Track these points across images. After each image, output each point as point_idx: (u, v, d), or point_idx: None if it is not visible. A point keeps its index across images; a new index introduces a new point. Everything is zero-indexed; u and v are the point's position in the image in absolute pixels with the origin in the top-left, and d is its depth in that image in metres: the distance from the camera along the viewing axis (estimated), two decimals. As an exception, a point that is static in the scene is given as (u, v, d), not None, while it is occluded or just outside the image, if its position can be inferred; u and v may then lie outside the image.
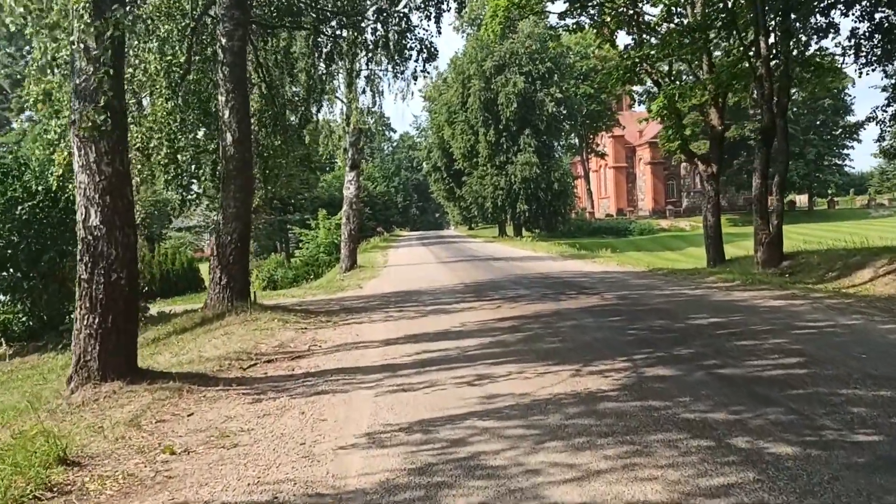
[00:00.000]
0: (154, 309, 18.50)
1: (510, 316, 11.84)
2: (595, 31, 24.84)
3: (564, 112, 62.47)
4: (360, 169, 31.75)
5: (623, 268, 23.36)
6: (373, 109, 30.26)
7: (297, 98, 16.02)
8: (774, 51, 18.32)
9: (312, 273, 41.97)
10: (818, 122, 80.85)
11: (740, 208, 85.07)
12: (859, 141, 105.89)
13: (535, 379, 7.01)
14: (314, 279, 38.32)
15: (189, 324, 12.70)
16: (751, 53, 18.98)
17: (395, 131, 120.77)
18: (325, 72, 16.85)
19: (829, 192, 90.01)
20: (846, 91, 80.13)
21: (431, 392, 6.76)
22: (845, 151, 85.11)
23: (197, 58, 14.58)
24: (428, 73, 17.47)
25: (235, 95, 13.30)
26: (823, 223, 64.45)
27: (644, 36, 22.92)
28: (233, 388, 7.43)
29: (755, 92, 19.12)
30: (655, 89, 25.81)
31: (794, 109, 72.37)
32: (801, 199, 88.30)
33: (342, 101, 28.08)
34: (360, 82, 29.16)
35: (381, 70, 29.10)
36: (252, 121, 16.18)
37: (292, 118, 16.38)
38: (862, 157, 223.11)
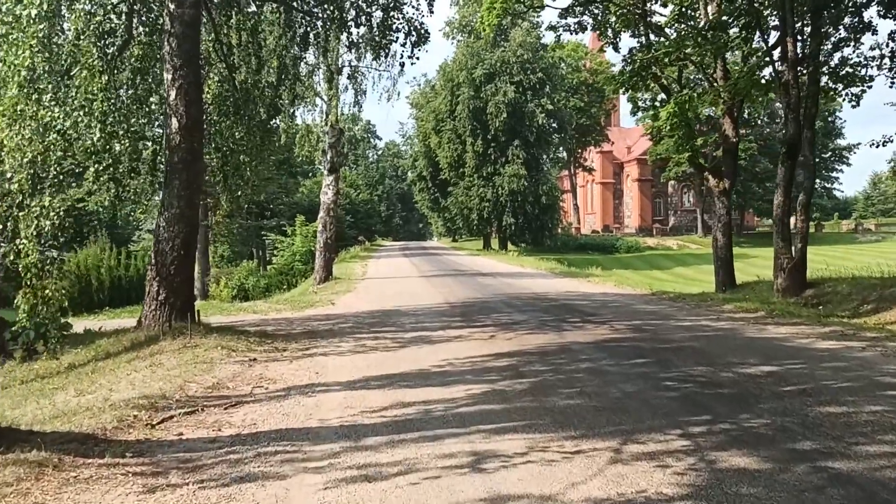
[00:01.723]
0: (92, 322, 16.09)
1: (507, 351, 9.68)
2: (598, 32, 22.98)
3: (555, 125, 60.69)
4: (340, 173, 29.53)
5: (622, 289, 21.31)
6: (355, 113, 28.22)
7: (264, 84, 13.77)
8: (802, 54, 16.39)
9: (286, 283, 39.72)
10: (809, 145, 79.75)
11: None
12: (849, 164, 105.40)
13: (558, 466, 4.85)
14: (287, 289, 36.09)
15: (115, 348, 10.39)
16: (775, 57, 17.08)
17: (380, 139, 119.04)
18: (299, 55, 14.65)
19: (815, 215, 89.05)
20: (837, 114, 79.51)
21: (407, 486, 4.58)
22: (834, 175, 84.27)
23: (143, 29, 12.36)
24: (417, 58, 15.31)
25: (185, 73, 11.07)
26: (813, 247, 62.83)
27: (652, 37, 21.00)
28: (124, 461, 5.20)
29: (775, 101, 17.21)
30: (662, 97, 23.90)
31: (772, 127, 71.27)
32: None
33: (322, 99, 25.98)
34: (342, 79, 27.18)
35: (364, 66, 27.12)
36: (210, 108, 13.96)
37: (261, 109, 14.11)
38: (849, 180, 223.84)
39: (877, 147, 18.95)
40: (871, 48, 17.82)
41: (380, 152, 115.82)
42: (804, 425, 5.63)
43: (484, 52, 57.53)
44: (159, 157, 12.38)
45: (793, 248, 16.45)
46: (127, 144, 11.65)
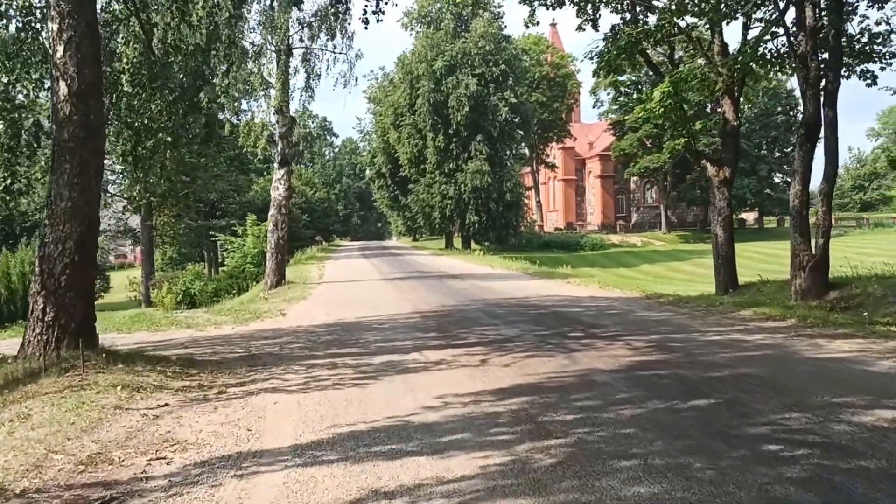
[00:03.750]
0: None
1: (511, 386, 7.23)
2: (576, 7, 20.69)
3: (518, 119, 58.58)
4: (293, 167, 26.81)
5: (609, 292, 19.09)
6: (307, 100, 25.59)
7: (189, 47, 11.06)
8: (820, 20, 14.29)
9: (237, 287, 36.70)
10: (770, 139, 79.33)
11: (690, 224, 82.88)
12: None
13: None
14: (238, 294, 33.22)
15: (-21, 387, 7.69)
16: (790, 25, 14.98)
17: (336, 136, 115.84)
18: (233, 15, 11.97)
19: (777, 210, 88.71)
20: (799, 108, 79.00)
21: None
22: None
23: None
24: (383, 14, 12.74)
25: (77, 22, 8.38)
26: (778, 241, 62.25)
27: (639, 9, 18.80)
28: None
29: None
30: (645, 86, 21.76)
31: (746, 125, 70.39)
32: (750, 217, 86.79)
33: (269, 83, 23.29)
34: (293, 61, 24.49)
35: (318, 48, 24.47)
36: (123, 78, 11.23)
37: (184, 77, 11.39)
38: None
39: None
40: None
41: (336, 149, 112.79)
42: None
43: (444, 43, 55.13)
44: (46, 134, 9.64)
45: (813, 244, 14.34)
46: (6, 118, 8.94)
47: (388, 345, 10.52)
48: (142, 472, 4.99)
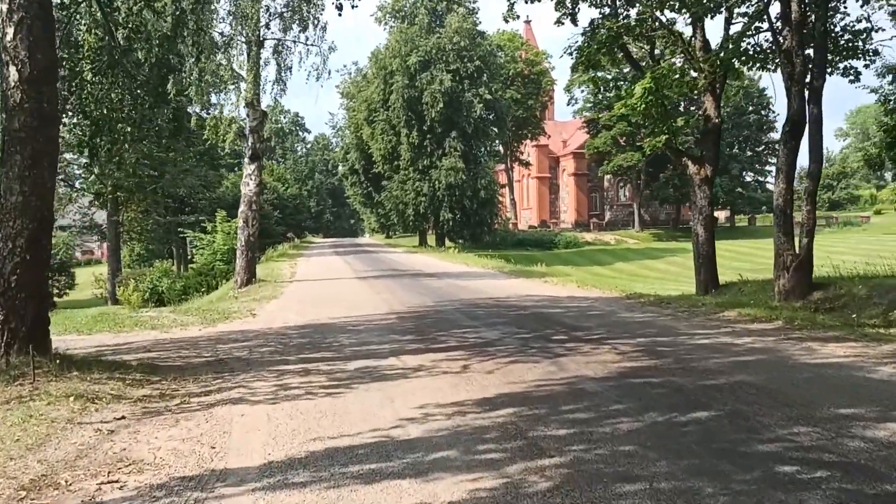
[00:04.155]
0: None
1: (496, 396, 6.79)
2: (555, 0, 20.31)
3: (492, 116, 58.19)
4: (264, 162, 26.12)
5: (588, 292, 18.74)
6: (278, 93, 24.96)
7: (152, 32, 10.40)
8: (805, 14, 14.02)
9: (206, 285, 35.83)
10: (742, 138, 79.85)
11: (663, 223, 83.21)
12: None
13: None
14: (208, 292, 32.43)
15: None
16: (775, 20, 14.73)
17: (309, 131, 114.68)
18: (199, 0, 11.30)
19: (748, 209, 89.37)
20: (771, 107, 79.68)
21: None
22: (768, 168, 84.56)
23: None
24: None
25: (27, 4, 7.77)
26: (751, 240, 62.80)
27: (619, 2, 18.47)
28: None
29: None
30: (623, 81, 21.49)
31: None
32: (722, 216, 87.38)
33: (238, 75, 22.63)
34: (265, 53, 23.83)
35: (290, 40, 23.83)
36: (84, 65, 10.58)
37: (146, 63, 10.73)
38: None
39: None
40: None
41: (309, 145, 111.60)
42: None
43: (418, 38, 54.56)
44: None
45: (797, 243, 14.11)
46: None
47: (363, 349, 10.02)
48: (90, 499, 4.46)
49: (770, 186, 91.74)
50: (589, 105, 75.55)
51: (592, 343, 9.68)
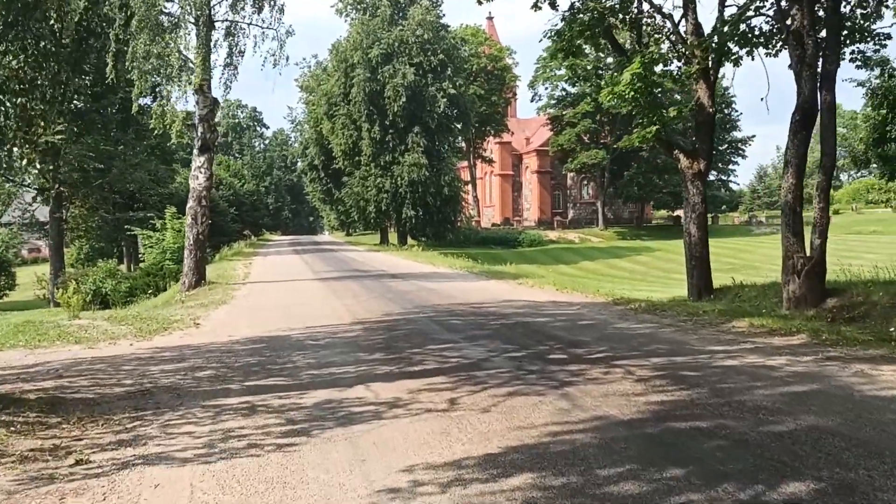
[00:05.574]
0: None
1: (504, 450, 5.09)
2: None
3: (456, 112, 56.61)
4: (214, 154, 24.08)
5: (571, 296, 17.22)
6: (230, 78, 22.98)
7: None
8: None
9: (154, 286, 33.52)
10: (705, 137, 79.40)
11: (626, 221, 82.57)
12: (745, 157, 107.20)
13: None
14: (155, 294, 30.23)
15: None
16: (782, -2, 13.33)
17: (267, 127, 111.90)
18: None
19: (710, 207, 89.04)
20: (733, 107, 79.57)
21: None
22: (731, 167, 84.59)
23: None
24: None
25: None
26: (718, 238, 62.17)
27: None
28: None
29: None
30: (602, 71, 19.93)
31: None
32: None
33: (188, 59, 20.60)
34: (216, 35, 21.86)
35: (243, 21, 21.90)
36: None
37: (56, 25, 8.81)
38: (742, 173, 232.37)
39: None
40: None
41: (267, 141, 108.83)
42: None
43: (380, 30, 52.71)
44: None
45: (808, 244, 12.72)
46: None
47: (324, 372, 8.25)
48: None
49: (734, 186, 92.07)
50: (553, 102, 74.54)
51: (600, 365, 8.06)
